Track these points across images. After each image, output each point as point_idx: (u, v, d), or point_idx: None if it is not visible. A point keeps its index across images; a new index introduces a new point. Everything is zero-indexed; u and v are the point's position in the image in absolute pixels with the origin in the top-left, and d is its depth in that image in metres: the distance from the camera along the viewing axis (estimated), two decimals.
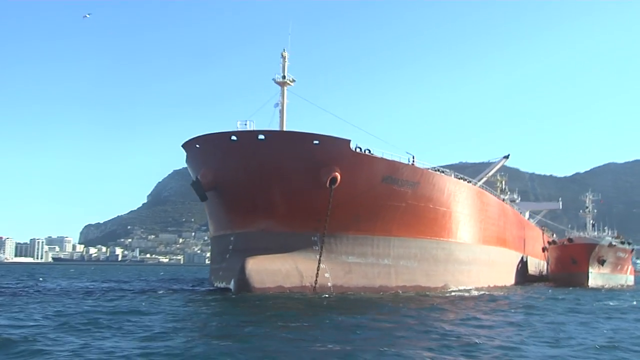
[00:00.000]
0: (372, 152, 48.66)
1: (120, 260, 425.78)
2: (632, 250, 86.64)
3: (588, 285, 72.64)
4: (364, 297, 43.51)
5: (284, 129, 50.86)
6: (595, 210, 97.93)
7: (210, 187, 48.29)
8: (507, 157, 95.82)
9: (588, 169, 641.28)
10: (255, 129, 46.39)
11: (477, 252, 60.57)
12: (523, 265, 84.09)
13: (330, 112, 57.62)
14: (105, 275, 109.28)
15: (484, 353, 18.80)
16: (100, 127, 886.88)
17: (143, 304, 36.28)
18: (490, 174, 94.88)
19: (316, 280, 45.78)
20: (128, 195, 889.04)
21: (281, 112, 51.22)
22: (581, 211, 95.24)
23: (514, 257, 77.79)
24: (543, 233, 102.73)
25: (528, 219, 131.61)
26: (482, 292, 54.58)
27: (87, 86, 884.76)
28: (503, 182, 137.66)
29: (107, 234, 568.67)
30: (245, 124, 46.34)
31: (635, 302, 46.26)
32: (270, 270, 45.32)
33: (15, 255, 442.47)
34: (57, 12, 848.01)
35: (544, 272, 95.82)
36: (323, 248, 47.22)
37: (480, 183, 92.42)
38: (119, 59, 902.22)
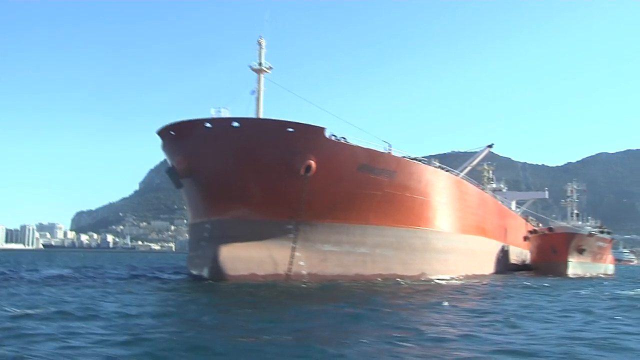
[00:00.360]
0: (347, 140, 48.53)
1: (112, 248, 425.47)
2: (612, 239, 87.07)
3: (567, 274, 73.00)
4: (337, 285, 43.52)
5: (260, 116, 50.57)
6: (577, 200, 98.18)
7: (185, 175, 48.15)
8: (490, 146, 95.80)
9: (580, 158, 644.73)
10: (229, 116, 46.10)
11: (454, 241, 60.60)
12: (504, 254, 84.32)
13: (307, 101, 57.15)
14: (91, 262, 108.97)
15: (428, 340, 18.78)
16: (93, 114, 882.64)
17: (110, 291, 36.12)
18: (475, 162, 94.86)
19: (290, 268, 45.79)
20: (120, 182, 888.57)
21: (257, 99, 50.90)
22: (562, 201, 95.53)
23: (494, 246, 77.92)
24: (527, 222, 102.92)
25: (515, 208, 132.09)
26: (458, 281, 54.79)
27: (79, 74, 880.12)
28: (490, 171, 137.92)
29: (99, 221, 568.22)
30: (220, 111, 46.03)
31: (607, 293, 45.87)
32: (244, 258, 45.30)
33: (6, 242, 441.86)
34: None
35: (527, 261, 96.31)
36: (298, 236, 47.30)
37: (464, 173, 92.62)
38: (113, 49, 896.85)
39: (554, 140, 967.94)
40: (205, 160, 46.19)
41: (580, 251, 75.60)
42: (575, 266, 75.77)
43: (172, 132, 47.11)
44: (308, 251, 47.95)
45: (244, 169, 45.47)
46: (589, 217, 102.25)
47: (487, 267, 71.89)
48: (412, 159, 54.83)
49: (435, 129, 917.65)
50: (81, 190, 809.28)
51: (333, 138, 47.47)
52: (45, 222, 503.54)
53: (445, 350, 17.43)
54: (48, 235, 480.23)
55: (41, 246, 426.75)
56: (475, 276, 62.69)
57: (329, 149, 47.02)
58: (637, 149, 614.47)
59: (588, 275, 76.43)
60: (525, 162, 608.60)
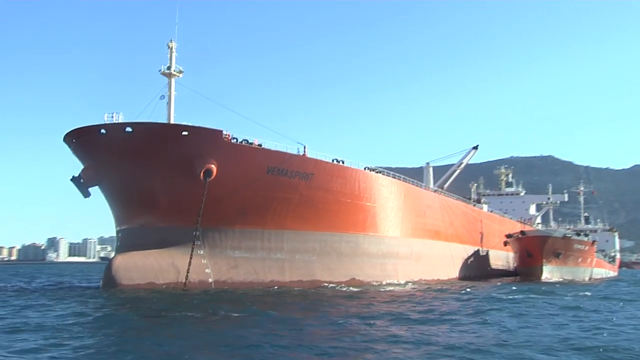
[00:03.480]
0: (251, 142, 47.09)
1: None
2: (593, 242, 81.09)
3: (542, 279, 68.69)
4: (235, 294, 41.50)
5: (172, 121, 49.68)
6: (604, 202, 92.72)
7: (94, 183, 47.92)
8: (476, 147, 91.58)
9: None
10: (123, 120, 45.28)
11: (394, 245, 57.28)
12: (480, 258, 79.99)
13: (222, 105, 56.27)
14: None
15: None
16: None
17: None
18: (463, 165, 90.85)
19: (187, 275, 44.36)
20: None
21: (168, 104, 49.85)
22: (544, 202, 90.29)
23: (459, 251, 73.58)
24: (524, 225, 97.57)
25: (535, 211, 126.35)
26: (393, 287, 51.85)
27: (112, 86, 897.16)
28: (509, 175, 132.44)
29: None
30: (112, 116, 45.33)
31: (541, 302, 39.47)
32: (141, 266, 44.41)
33: (69, 255, 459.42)
34: None
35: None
36: (205, 243, 46.16)
37: (455, 176, 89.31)
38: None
39: (620, 141, 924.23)
40: (106, 168, 45.75)
41: (556, 255, 70.93)
42: (552, 270, 71.09)
43: (73, 140, 46.80)
44: (216, 258, 46.68)
45: (143, 176, 44.75)
46: (598, 220, 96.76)
47: (446, 271, 67.89)
48: (333, 160, 52.36)
49: (495, 137, 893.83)
50: None
51: (234, 141, 46.14)
52: (106, 236, 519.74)
53: None
54: (109, 248, 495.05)
55: (99, 259, 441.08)
56: (425, 281, 59.33)
57: (230, 151, 45.69)
58: None
59: (565, 279, 71.49)
60: (588, 166, 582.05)
